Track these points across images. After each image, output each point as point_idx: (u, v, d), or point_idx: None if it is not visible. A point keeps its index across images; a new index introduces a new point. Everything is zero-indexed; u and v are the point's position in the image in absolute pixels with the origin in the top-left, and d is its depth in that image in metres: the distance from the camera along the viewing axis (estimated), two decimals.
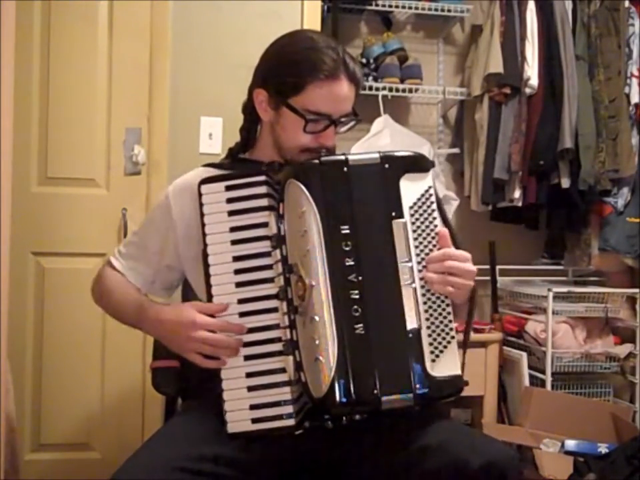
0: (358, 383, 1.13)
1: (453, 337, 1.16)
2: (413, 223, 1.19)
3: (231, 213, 1.22)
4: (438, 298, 1.17)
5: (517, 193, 2.82)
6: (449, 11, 2.91)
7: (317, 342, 1.14)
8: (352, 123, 1.35)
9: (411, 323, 1.15)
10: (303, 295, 1.16)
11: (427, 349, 1.15)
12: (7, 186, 1.56)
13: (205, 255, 1.22)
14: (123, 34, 2.35)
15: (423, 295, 1.17)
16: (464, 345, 1.26)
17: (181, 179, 1.43)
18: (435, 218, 1.20)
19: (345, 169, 1.20)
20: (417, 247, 1.18)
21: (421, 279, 1.17)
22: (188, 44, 2.40)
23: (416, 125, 3.09)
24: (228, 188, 1.23)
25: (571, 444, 2.38)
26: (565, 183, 2.82)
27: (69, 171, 2.33)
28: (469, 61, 3.03)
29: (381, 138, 2.74)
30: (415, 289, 1.16)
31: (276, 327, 1.19)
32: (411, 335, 1.15)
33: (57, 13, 2.31)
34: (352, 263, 1.16)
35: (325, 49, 1.28)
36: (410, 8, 2.89)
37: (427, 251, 1.19)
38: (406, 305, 1.16)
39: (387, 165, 1.20)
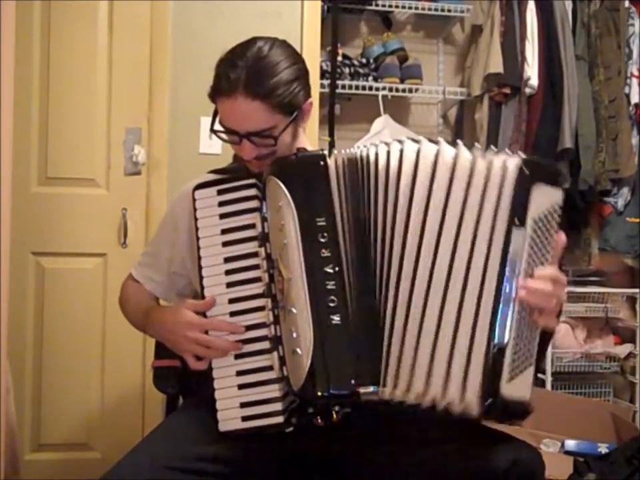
0: (335, 374, 1.12)
1: (532, 362, 1.13)
2: (531, 237, 1.12)
3: (222, 216, 1.25)
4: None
5: None
6: (449, 10, 2.91)
7: (295, 334, 1.14)
8: (277, 134, 1.24)
9: (499, 337, 1.09)
10: (282, 289, 1.17)
11: (507, 367, 1.09)
12: (7, 186, 1.56)
13: (199, 258, 1.25)
14: (123, 34, 2.35)
15: (519, 312, 1.11)
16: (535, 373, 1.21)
17: (185, 187, 1.45)
18: (552, 237, 1.14)
19: (322, 162, 1.19)
20: (528, 263, 1.12)
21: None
22: (188, 44, 2.40)
23: (416, 125, 3.09)
24: (220, 192, 1.26)
25: (570, 444, 2.39)
26: (565, 183, 2.82)
27: (69, 171, 2.32)
28: (469, 60, 3.03)
29: (381, 138, 2.73)
30: (514, 301, 1.10)
31: (263, 325, 1.21)
32: (497, 349, 1.09)
33: (56, 13, 2.31)
34: (328, 255, 1.16)
35: (228, 64, 1.24)
36: (410, 8, 2.89)
37: (533, 266, 1.13)
38: (500, 315, 1.10)
39: (527, 170, 1.13)
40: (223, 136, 1.28)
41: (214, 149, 2.35)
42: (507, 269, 1.11)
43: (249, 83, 1.21)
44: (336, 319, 1.14)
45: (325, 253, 1.16)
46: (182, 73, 2.39)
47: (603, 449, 2.36)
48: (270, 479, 1.24)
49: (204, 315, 1.23)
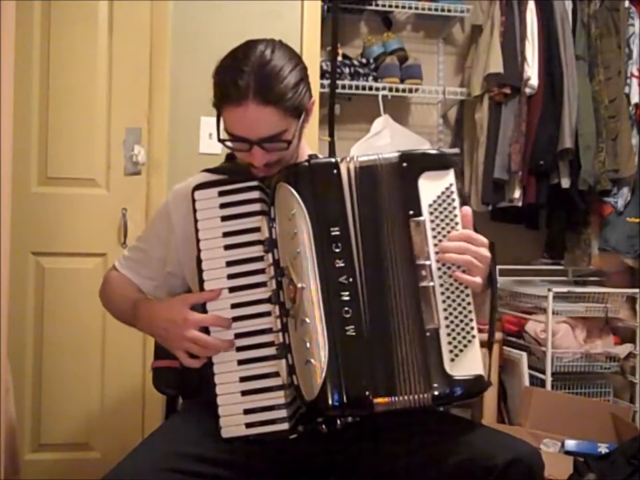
0: (349, 385, 1.13)
1: (473, 336, 1.14)
2: (432, 221, 1.17)
3: (224, 218, 1.22)
4: (458, 296, 1.15)
5: (517, 193, 2.82)
6: (449, 10, 2.91)
7: (308, 344, 1.14)
8: (288, 137, 1.23)
9: (428, 322, 1.14)
10: (294, 298, 1.16)
11: (445, 349, 1.13)
12: (7, 186, 1.56)
13: (199, 260, 1.22)
14: (123, 34, 2.35)
15: (442, 293, 1.15)
16: (489, 344, 1.24)
17: (179, 186, 1.44)
18: (455, 215, 1.17)
19: (335, 171, 1.19)
20: (435, 245, 1.16)
21: (440, 277, 1.15)
22: (188, 44, 2.40)
23: (416, 125, 3.09)
24: (221, 193, 1.23)
25: (571, 444, 2.39)
26: (565, 183, 2.82)
27: (69, 171, 2.33)
28: (469, 61, 3.03)
29: (381, 138, 2.74)
30: (433, 288, 1.15)
31: (269, 331, 1.20)
32: (428, 334, 1.14)
33: (57, 13, 2.31)
34: (342, 265, 1.16)
35: (233, 71, 1.21)
36: (410, 8, 2.89)
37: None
38: (423, 304, 1.14)
39: (405, 164, 1.19)
40: (230, 144, 1.26)
41: (214, 149, 2.35)
42: (416, 257, 1.16)
43: (260, 89, 1.18)
44: (351, 330, 1.14)
45: (339, 263, 1.16)
46: (182, 72, 2.39)
47: (603, 449, 2.35)
48: None
49: (203, 310, 1.22)
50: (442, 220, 1.17)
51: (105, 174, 2.34)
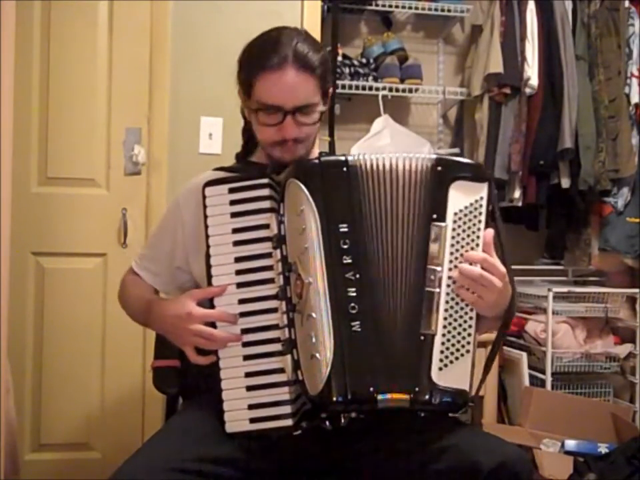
0: (354, 381, 1.13)
1: (467, 351, 1.14)
2: (454, 230, 1.17)
3: (234, 215, 1.24)
4: (462, 309, 1.16)
5: (517, 193, 2.83)
6: (448, 10, 2.91)
7: (314, 339, 1.14)
8: (317, 114, 1.33)
9: (425, 327, 1.15)
10: (300, 293, 1.17)
11: (436, 356, 1.14)
12: (7, 186, 1.56)
13: (208, 256, 1.24)
14: (123, 34, 2.34)
15: (447, 302, 1.16)
16: (485, 366, 1.24)
17: (191, 182, 1.45)
18: (479, 229, 1.18)
19: (345, 168, 1.20)
20: (452, 253, 1.17)
21: (448, 285, 1.16)
22: (188, 44, 2.40)
23: (416, 125, 3.09)
24: (231, 190, 1.24)
25: (570, 444, 2.38)
26: (565, 183, 2.82)
27: (69, 171, 2.32)
28: (469, 61, 3.03)
29: (381, 138, 2.74)
30: (438, 294, 1.15)
31: (275, 327, 1.20)
32: (423, 338, 1.14)
33: (57, 13, 2.30)
34: (350, 261, 1.17)
35: (269, 42, 1.28)
36: (410, 8, 2.89)
37: (462, 260, 1.17)
38: (425, 308, 1.15)
39: (440, 168, 1.20)
40: (263, 116, 1.29)
41: (214, 148, 2.35)
42: (429, 261, 1.16)
43: (299, 55, 1.26)
44: (356, 326, 1.15)
45: (347, 260, 1.17)
46: (182, 73, 2.38)
47: (603, 449, 2.35)
48: None
49: (211, 305, 1.23)
50: (464, 231, 1.17)
51: (105, 174, 2.34)
